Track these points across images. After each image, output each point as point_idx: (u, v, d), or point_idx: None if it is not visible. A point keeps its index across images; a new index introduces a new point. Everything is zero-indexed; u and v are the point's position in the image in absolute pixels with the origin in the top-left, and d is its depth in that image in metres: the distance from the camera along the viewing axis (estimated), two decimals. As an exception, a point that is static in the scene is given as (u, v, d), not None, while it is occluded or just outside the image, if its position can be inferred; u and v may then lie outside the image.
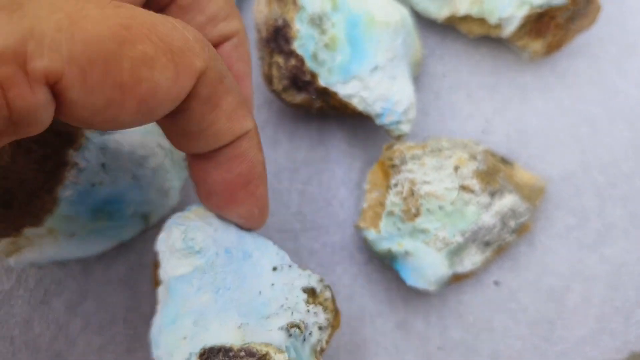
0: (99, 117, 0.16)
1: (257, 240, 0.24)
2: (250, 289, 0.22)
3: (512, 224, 0.31)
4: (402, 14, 0.32)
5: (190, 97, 0.18)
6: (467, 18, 0.35)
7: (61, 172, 0.26)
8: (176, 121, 0.19)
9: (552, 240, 0.33)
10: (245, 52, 0.23)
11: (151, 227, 0.32)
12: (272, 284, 0.23)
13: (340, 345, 0.31)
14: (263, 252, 0.24)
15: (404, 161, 0.30)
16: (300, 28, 0.30)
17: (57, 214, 0.26)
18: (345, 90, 0.30)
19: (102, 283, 0.30)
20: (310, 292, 0.23)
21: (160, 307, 0.22)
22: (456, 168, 0.29)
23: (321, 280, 0.24)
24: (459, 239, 0.29)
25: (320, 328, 0.23)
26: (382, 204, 0.30)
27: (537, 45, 0.34)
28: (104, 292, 0.30)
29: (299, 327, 0.22)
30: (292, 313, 0.22)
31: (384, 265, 0.32)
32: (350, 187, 0.33)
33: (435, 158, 0.30)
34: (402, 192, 0.30)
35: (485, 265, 0.32)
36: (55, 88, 0.15)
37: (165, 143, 0.29)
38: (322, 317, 0.23)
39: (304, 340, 0.22)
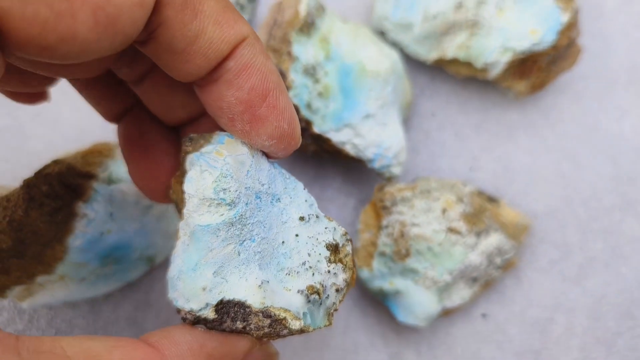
0: (52, 33, 0.14)
1: (287, 182, 0.23)
2: (274, 238, 0.21)
3: (498, 260, 0.32)
4: (392, 59, 0.34)
5: (160, 4, 0.16)
6: (454, 61, 0.36)
7: (71, 223, 0.28)
8: (160, 41, 0.18)
9: (536, 273, 0.35)
10: (259, 59, 0.20)
11: (156, 267, 0.33)
12: (297, 235, 0.22)
13: (337, 377, 0.33)
14: (292, 197, 0.22)
15: (394, 203, 0.32)
16: (295, 78, 0.32)
17: (67, 261, 0.28)
18: (338, 137, 0.32)
19: (110, 322, 0.32)
20: (333, 248, 0.22)
21: (181, 248, 0.21)
22: (444, 211, 0.31)
23: (345, 234, 0.23)
24: (447, 277, 0.31)
25: (337, 290, 0.22)
26: (374, 244, 0.32)
27: (521, 86, 0.36)
28: (112, 330, 0.32)
29: (318, 293, 0.21)
30: (314, 274, 0.21)
31: (377, 301, 0.34)
32: (344, 225, 0.35)
33: (424, 200, 0.32)
34: (392, 234, 0.31)
35: (473, 299, 0.34)
36: None
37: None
38: (340, 278, 0.22)
39: (321, 304, 0.22)
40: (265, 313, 0.20)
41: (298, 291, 0.21)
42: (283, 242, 0.22)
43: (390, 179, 0.33)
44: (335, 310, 0.22)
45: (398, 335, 0.33)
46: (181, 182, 0.21)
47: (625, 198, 0.36)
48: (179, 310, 0.20)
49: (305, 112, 0.32)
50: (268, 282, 0.20)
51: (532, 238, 0.35)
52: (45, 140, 0.36)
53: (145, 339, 0.18)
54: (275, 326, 0.20)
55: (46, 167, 0.28)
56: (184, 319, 0.20)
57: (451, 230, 0.31)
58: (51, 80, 0.23)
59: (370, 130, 0.32)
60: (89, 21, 0.15)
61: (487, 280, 0.33)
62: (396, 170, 0.33)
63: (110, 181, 0.30)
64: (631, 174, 0.37)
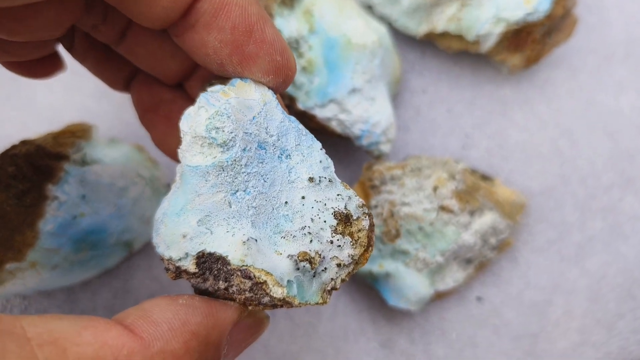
0: None
1: (302, 139, 0.21)
2: (276, 196, 0.20)
3: (492, 241, 0.31)
4: (379, 33, 0.32)
5: None
6: (445, 34, 0.35)
7: (41, 206, 0.26)
8: None
9: (533, 254, 0.33)
10: None
11: (135, 253, 0.32)
12: (303, 197, 0.20)
13: (326, 365, 0.31)
14: (305, 155, 0.20)
15: (383, 182, 0.30)
16: (277, 52, 0.30)
17: (38, 247, 0.27)
18: (323, 113, 0.30)
19: (87, 311, 0.31)
20: (343, 219, 0.20)
21: (171, 190, 0.19)
22: (435, 188, 0.30)
23: (362, 206, 0.21)
24: (439, 259, 0.29)
25: (338, 265, 0.20)
26: (363, 225, 0.31)
27: (515, 59, 0.34)
28: (89, 320, 0.30)
29: (310, 262, 0.19)
30: (311, 241, 0.19)
31: (367, 285, 0.32)
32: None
33: (414, 178, 0.30)
34: (382, 214, 0.30)
35: (468, 282, 0.32)
36: None
37: (145, 172, 0.30)
38: (345, 253, 0.20)
39: (314, 276, 0.19)
40: (244, 272, 0.18)
41: (288, 256, 0.19)
42: (286, 202, 0.20)
43: (379, 157, 0.32)
44: (335, 288, 0.20)
45: (389, 321, 0.32)
46: None
47: (624, 175, 0.35)
48: (162, 258, 0.19)
49: (288, 88, 0.30)
50: (256, 240, 0.19)
51: (528, 217, 0.34)
52: (17, 123, 0.34)
53: (120, 320, 0.16)
54: (256, 290, 0.18)
55: (13, 147, 0.27)
56: (167, 269, 0.19)
57: (443, 208, 0.29)
58: (40, 49, 0.22)
59: (357, 105, 0.30)
60: None
61: (482, 262, 0.32)
62: (385, 147, 0.31)
63: (83, 162, 0.28)
64: (630, 151, 0.35)
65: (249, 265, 0.18)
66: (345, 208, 0.20)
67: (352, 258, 0.20)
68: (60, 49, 0.24)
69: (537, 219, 0.34)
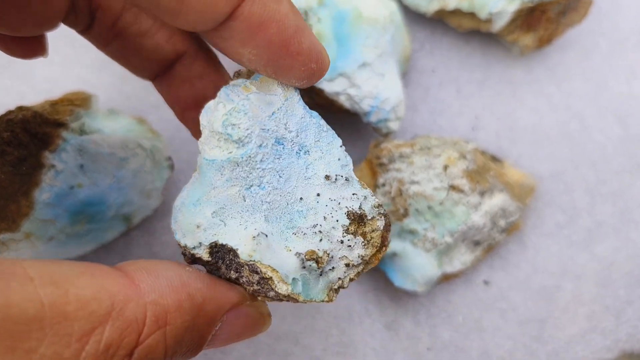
0: None
1: (322, 135, 0.20)
2: (291, 192, 0.20)
3: (502, 223, 0.30)
4: (390, 9, 0.31)
5: None
6: (456, 12, 0.34)
7: (37, 174, 0.25)
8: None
9: (542, 238, 0.33)
10: (270, 9, 0.17)
11: (134, 228, 0.31)
12: (318, 194, 0.20)
13: (329, 346, 0.30)
14: (324, 152, 0.20)
15: (392, 160, 0.30)
16: (285, 23, 0.29)
17: (33, 217, 0.26)
18: (331, 87, 0.29)
19: (83, 287, 0.30)
20: (357, 219, 0.20)
21: (191, 180, 0.20)
22: (445, 167, 0.29)
23: (378, 207, 0.20)
24: (448, 239, 0.28)
25: (347, 265, 0.20)
26: (370, 204, 0.30)
27: (527, 39, 0.34)
28: (85, 296, 0.29)
29: (317, 261, 0.19)
30: (321, 240, 0.19)
31: (373, 266, 0.32)
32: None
33: (424, 157, 0.29)
34: (390, 192, 0.29)
35: (475, 265, 0.31)
36: None
37: (146, 144, 0.29)
38: (355, 253, 0.20)
39: (321, 274, 0.20)
40: (252, 267, 0.19)
41: (296, 253, 0.19)
42: (301, 198, 0.20)
43: (387, 135, 0.31)
44: (342, 287, 0.20)
45: (395, 303, 0.31)
46: None
47: (634, 160, 0.34)
48: (179, 244, 0.20)
49: (296, 61, 0.29)
50: (267, 236, 0.19)
51: (537, 201, 0.33)
52: (14, 93, 0.33)
53: (121, 267, 0.17)
54: (262, 284, 0.19)
55: (9, 112, 0.25)
56: (184, 254, 0.20)
57: (453, 188, 0.29)
58: (43, 27, 0.21)
59: (367, 80, 0.29)
60: None
61: (490, 245, 0.31)
62: (394, 125, 0.31)
63: (82, 132, 0.27)
64: (641, 137, 0.35)
65: (256, 260, 0.18)
66: (360, 208, 0.20)
67: (362, 258, 0.20)
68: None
69: (546, 202, 0.33)
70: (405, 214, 0.29)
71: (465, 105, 0.35)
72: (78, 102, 0.28)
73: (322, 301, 0.20)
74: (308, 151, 0.20)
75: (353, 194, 0.20)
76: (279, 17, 0.17)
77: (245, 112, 0.18)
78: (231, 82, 0.19)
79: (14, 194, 0.25)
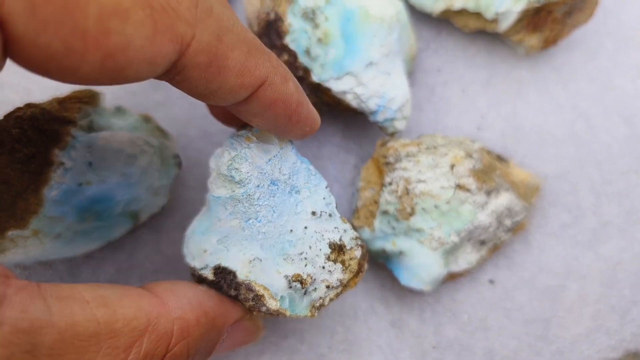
0: (56, 64, 0.15)
1: (310, 178, 0.24)
2: (283, 225, 0.23)
3: (508, 222, 0.30)
4: (397, 8, 0.31)
5: (189, 67, 0.17)
6: (462, 12, 0.34)
7: (46, 172, 0.25)
8: (180, 86, 0.18)
9: (547, 238, 0.33)
10: (279, 91, 0.21)
11: (140, 226, 0.31)
12: (306, 227, 0.23)
13: (334, 344, 0.30)
14: (312, 192, 0.24)
15: (398, 159, 0.30)
16: (293, 22, 0.29)
17: (42, 215, 0.26)
18: (338, 86, 0.29)
19: (90, 284, 0.30)
20: (337, 249, 0.24)
21: (201, 212, 0.24)
22: (452, 166, 0.29)
23: (357, 238, 0.25)
24: (454, 238, 0.29)
25: (327, 287, 0.24)
26: (376, 203, 0.30)
27: (533, 39, 0.34)
28: (92, 293, 0.29)
29: (301, 282, 0.23)
30: (306, 265, 0.23)
31: (378, 263, 0.32)
32: (344, 184, 0.33)
33: (430, 156, 0.30)
34: (396, 191, 0.29)
35: (481, 264, 0.31)
36: None
37: (155, 141, 0.29)
38: (335, 277, 0.24)
39: (305, 293, 0.23)
40: (247, 286, 0.22)
41: (284, 276, 0.23)
42: (291, 230, 0.23)
43: (393, 135, 0.31)
44: (322, 305, 0.24)
45: (400, 301, 0.31)
46: None
47: (640, 161, 0.34)
48: (188, 266, 0.24)
49: (303, 59, 0.29)
50: (261, 260, 0.23)
51: (542, 201, 0.33)
52: (21, 90, 0.33)
53: (150, 289, 0.20)
54: (256, 301, 0.22)
55: (17, 109, 0.26)
56: (192, 275, 0.24)
57: (460, 187, 0.29)
58: None
59: (373, 79, 0.29)
60: (96, 63, 0.15)
61: (496, 244, 0.31)
62: (400, 124, 0.31)
63: (90, 129, 0.27)
64: (646, 137, 0.35)
65: (251, 280, 0.22)
66: (340, 239, 0.24)
67: (340, 282, 0.24)
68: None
69: (552, 202, 0.33)
70: (412, 213, 0.29)
71: (470, 105, 0.35)
72: (86, 99, 0.28)
73: (305, 316, 0.24)
74: (298, 191, 0.24)
75: (335, 228, 0.24)
76: (285, 98, 0.21)
77: (246, 158, 0.22)
78: (236, 133, 0.23)
79: (23, 192, 0.25)
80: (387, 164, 0.30)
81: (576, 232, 0.33)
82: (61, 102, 0.27)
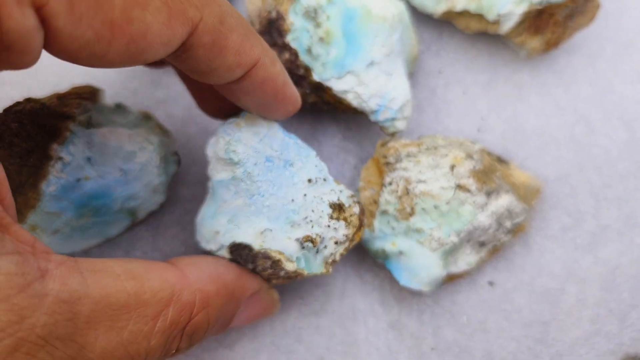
0: (87, 51, 0.16)
1: (300, 150, 0.26)
2: (284, 196, 0.24)
3: (507, 224, 0.30)
4: (399, 8, 0.31)
5: (195, 46, 0.19)
6: (464, 14, 0.34)
7: (45, 166, 0.25)
8: (184, 64, 0.20)
9: (547, 241, 0.33)
10: (269, 71, 0.23)
11: (138, 223, 0.31)
12: (305, 195, 0.25)
13: (332, 345, 0.30)
14: (304, 163, 0.26)
15: (398, 159, 0.30)
16: (295, 21, 0.29)
17: (40, 210, 0.25)
18: (339, 85, 0.29)
19: (87, 281, 0.29)
20: (337, 208, 0.25)
21: (206, 200, 0.26)
22: (452, 167, 0.29)
23: (352, 196, 0.26)
24: (454, 239, 0.28)
25: (336, 243, 0.25)
26: (375, 203, 0.30)
27: (535, 42, 0.34)
28: (89, 291, 0.29)
29: (312, 241, 0.24)
30: (313, 226, 0.25)
31: (377, 265, 0.32)
32: (344, 184, 0.33)
33: (431, 156, 0.29)
34: (396, 191, 0.29)
35: (480, 266, 0.31)
36: (42, 13, 0.15)
37: (154, 138, 0.28)
38: (340, 233, 0.25)
39: (317, 252, 0.25)
40: (264, 254, 0.24)
41: (295, 239, 0.24)
42: (292, 200, 0.25)
43: (394, 135, 0.31)
44: (334, 261, 0.26)
45: (399, 303, 0.31)
46: None
47: (640, 165, 0.34)
48: (204, 251, 0.25)
49: (304, 58, 0.29)
50: (271, 230, 0.24)
51: (542, 203, 0.33)
52: (21, 87, 0.33)
53: (174, 262, 0.22)
54: (274, 267, 0.24)
55: (17, 103, 0.25)
56: None
57: (460, 187, 0.28)
58: None
59: (375, 79, 0.29)
60: (121, 48, 0.17)
61: (495, 246, 0.31)
62: (401, 125, 0.31)
63: (89, 125, 0.27)
64: (646, 141, 0.35)
65: (267, 248, 0.24)
66: (338, 199, 0.26)
67: (346, 237, 0.25)
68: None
69: (552, 205, 0.33)
70: (412, 213, 0.28)
71: (471, 107, 0.35)
72: (86, 95, 0.28)
73: (322, 273, 0.25)
74: (292, 164, 0.25)
75: (331, 190, 0.26)
76: (274, 77, 0.23)
77: (240, 140, 0.23)
78: (226, 122, 0.24)
79: (21, 186, 0.25)
80: (388, 164, 0.30)
81: (576, 235, 0.33)
82: (61, 97, 0.27)
